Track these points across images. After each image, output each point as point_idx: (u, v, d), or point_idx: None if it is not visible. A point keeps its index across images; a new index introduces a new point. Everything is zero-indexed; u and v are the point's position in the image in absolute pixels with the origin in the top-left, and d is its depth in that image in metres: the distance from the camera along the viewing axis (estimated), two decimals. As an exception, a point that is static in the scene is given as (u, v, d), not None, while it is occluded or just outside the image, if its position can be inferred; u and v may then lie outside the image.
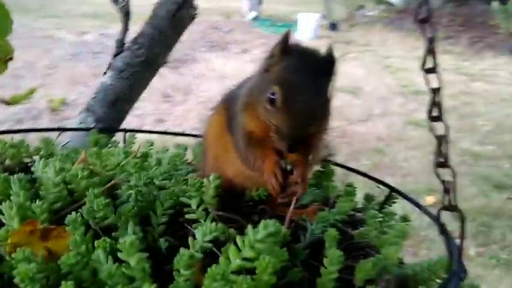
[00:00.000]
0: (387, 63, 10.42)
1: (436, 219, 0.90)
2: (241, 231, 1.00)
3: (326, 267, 0.86)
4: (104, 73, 1.71)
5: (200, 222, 1.01)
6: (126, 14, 1.74)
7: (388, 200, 1.28)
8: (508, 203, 5.45)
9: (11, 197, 0.98)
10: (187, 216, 1.03)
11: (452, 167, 0.86)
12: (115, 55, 1.72)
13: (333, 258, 0.85)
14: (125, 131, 1.62)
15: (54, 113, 6.90)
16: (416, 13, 0.89)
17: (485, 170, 6.02)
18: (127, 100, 1.69)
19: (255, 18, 13.33)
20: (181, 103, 7.82)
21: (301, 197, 1.15)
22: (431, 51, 0.87)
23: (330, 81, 1.00)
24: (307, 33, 12.08)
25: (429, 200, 4.76)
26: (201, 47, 10.47)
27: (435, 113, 0.91)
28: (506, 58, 10.53)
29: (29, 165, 1.32)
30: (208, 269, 0.77)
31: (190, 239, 0.87)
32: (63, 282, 0.72)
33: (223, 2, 15.04)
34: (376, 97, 8.67)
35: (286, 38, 1.00)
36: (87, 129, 1.60)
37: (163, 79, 8.51)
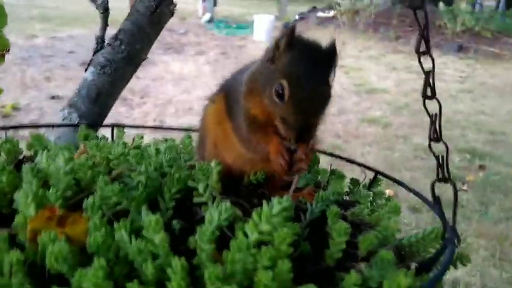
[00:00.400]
0: (341, 63, 10.61)
1: (431, 188, 0.98)
2: (245, 214, 1.06)
3: (333, 239, 0.92)
4: (86, 69, 1.72)
5: (208, 204, 1.05)
6: (105, 10, 1.75)
7: (374, 182, 1.36)
8: (461, 194, 5.72)
9: (23, 186, 0.99)
10: (195, 199, 1.07)
11: (445, 142, 0.94)
12: (95, 51, 1.72)
13: (340, 229, 0.91)
14: (113, 125, 1.63)
15: (6, 118, 6.70)
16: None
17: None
18: (109, 95, 1.70)
19: (210, 20, 13.36)
20: (139, 106, 7.74)
21: (304, 175, 1.22)
22: (423, 36, 0.94)
23: (332, 71, 1.06)
24: (263, 34, 12.21)
25: (387, 193, 4.94)
26: (157, 50, 10.38)
27: (428, 93, 0.97)
28: (452, 57, 11.01)
29: (24, 160, 1.33)
30: (231, 242, 0.81)
31: (208, 215, 0.91)
32: (95, 259, 0.75)
33: (178, 4, 14.96)
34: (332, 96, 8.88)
35: (292, 31, 1.04)
36: (75, 125, 1.60)
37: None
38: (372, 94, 9.08)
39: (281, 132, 1.04)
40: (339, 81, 9.60)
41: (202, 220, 1.03)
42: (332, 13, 13.58)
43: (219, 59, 10.69)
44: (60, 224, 0.95)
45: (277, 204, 0.85)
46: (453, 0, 12.13)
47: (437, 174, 0.97)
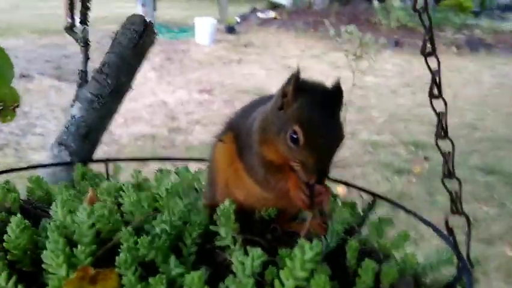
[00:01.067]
0: (285, 63, 10.84)
1: (445, 221, 1.06)
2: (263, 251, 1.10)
3: (360, 277, 0.99)
4: (71, 105, 1.70)
5: (230, 247, 1.09)
6: (86, 44, 1.74)
7: (372, 206, 1.44)
8: (410, 186, 6.00)
9: (49, 245, 0.99)
10: (218, 243, 1.11)
11: (450, 139, 1.02)
12: (79, 86, 1.71)
13: (368, 269, 0.99)
14: (107, 160, 1.63)
15: None
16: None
17: (385, 158, 6.53)
18: (98, 131, 1.69)
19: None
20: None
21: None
22: (429, 38, 1.00)
23: (341, 110, 1.11)
24: (205, 37, 12.19)
25: (340, 190, 5.11)
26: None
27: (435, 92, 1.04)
28: (390, 52, 11.45)
29: (26, 206, 1.31)
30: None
31: (237, 263, 0.95)
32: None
33: (118, 10, 14.61)
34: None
35: (297, 77, 1.08)
36: (68, 164, 1.59)
37: (63, 94, 8.17)
38: (319, 93, 9.25)
39: (301, 176, 1.08)
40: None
41: (224, 262, 1.08)
42: (272, 14, 13.75)
43: (164, 64, 10.59)
44: (92, 282, 0.96)
45: (309, 250, 0.90)
46: (386, -3, 12.61)
47: (451, 208, 1.04)
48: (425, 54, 0.99)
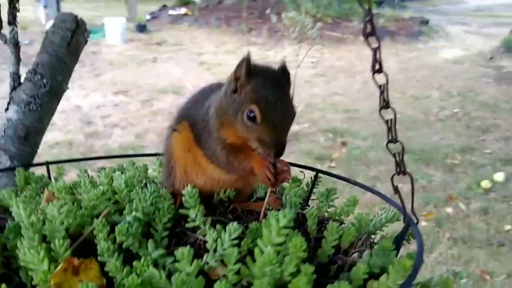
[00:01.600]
0: (201, 60, 10.86)
1: (391, 180, 1.17)
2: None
3: (326, 238, 1.08)
4: (6, 109, 1.64)
5: (201, 228, 1.14)
6: (16, 45, 1.68)
7: (316, 180, 1.53)
8: (331, 171, 6.28)
9: (25, 243, 0.98)
10: (189, 225, 1.15)
11: (393, 108, 1.13)
12: (13, 88, 1.65)
13: (332, 229, 1.07)
14: (48, 163, 1.60)
15: None
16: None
17: (306, 146, 6.77)
18: (38, 133, 1.64)
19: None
20: None
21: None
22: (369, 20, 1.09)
23: (289, 88, 1.20)
24: (116, 37, 11.87)
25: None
26: (2, 65, 9.55)
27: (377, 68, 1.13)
28: (302, 43, 11.81)
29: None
30: (256, 256, 0.93)
31: (222, 237, 1.01)
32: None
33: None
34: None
35: (248, 61, 1.15)
36: (10, 169, 1.54)
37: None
38: (237, 87, 9.38)
39: (260, 151, 1.16)
40: (203, 78, 9.78)
41: (196, 242, 1.13)
42: (183, 10, 13.65)
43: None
44: (75, 272, 0.97)
45: (283, 218, 0.98)
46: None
47: (396, 169, 1.16)
48: (366, 35, 1.09)
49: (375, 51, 1.08)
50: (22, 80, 1.68)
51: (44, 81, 1.65)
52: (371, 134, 7.08)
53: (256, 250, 0.96)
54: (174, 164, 1.33)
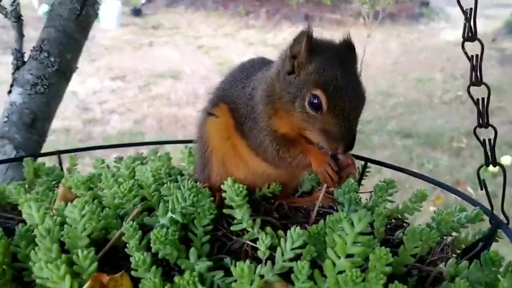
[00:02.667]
0: (198, 44, 10.58)
1: (478, 174, 0.99)
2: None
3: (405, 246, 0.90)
4: (9, 91, 1.43)
5: (248, 231, 0.95)
6: (18, 19, 1.47)
7: (364, 170, 1.36)
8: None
9: (41, 255, 0.79)
10: (234, 228, 0.96)
11: (487, 86, 0.95)
12: (16, 68, 1.45)
13: (414, 234, 0.89)
14: (60, 152, 1.40)
15: None
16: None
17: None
18: (46, 118, 1.44)
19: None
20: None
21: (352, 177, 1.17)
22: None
23: (357, 67, 1.00)
24: (111, 21, 11.56)
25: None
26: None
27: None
28: (301, 26, 11.53)
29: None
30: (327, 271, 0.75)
31: (282, 246, 0.82)
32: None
33: (7, -3, 13.43)
34: (197, 78, 8.81)
35: (310, 35, 0.95)
36: (16, 160, 1.34)
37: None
38: (236, 71, 9.19)
39: (324, 145, 0.96)
40: (201, 61, 9.54)
41: (241, 249, 0.94)
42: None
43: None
44: (104, 289, 0.79)
45: (358, 222, 0.79)
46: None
47: (485, 160, 0.97)
48: (465, 40, 0.92)
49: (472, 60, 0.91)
50: (26, 58, 1.48)
51: (52, 59, 1.45)
52: (375, 117, 6.91)
53: (327, 263, 0.77)
54: (210, 154, 1.13)
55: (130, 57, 9.84)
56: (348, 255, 0.78)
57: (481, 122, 0.95)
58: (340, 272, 0.76)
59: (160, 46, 10.42)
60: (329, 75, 0.92)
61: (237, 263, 0.74)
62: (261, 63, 1.15)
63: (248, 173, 1.12)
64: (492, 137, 0.96)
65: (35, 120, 1.41)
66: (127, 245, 0.86)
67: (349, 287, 0.73)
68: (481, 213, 1.03)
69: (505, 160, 5.52)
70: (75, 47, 1.51)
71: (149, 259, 0.79)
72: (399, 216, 1.15)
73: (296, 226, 0.85)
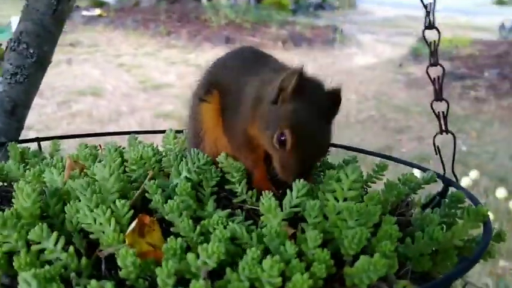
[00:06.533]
0: (119, 62, 10.47)
1: (433, 140, 1.20)
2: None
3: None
4: (-12, 80, 1.46)
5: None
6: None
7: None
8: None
9: (81, 205, 0.88)
10: (237, 200, 1.09)
11: (441, 65, 1.18)
12: (-7, 58, 1.48)
13: (391, 186, 1.08)
14: (39, 139, 1.45)
15: None
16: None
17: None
18: (25, 106, 1.48)
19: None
20: None
21: None
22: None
23: (335, 115, 1.08)
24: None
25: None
26: None
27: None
28: (222, 48, 11.81)
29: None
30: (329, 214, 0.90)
31: (288, 196, 0.96)
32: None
33: None
34: (119, 96, 8.73)
35: (301, 75, 1.01)
36: (1, 144, 1.37)
37: None
38: (159, 89, 9.23)
39: (278, 171, 1.05)
40: (123, 79, 9.46)
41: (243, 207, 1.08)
42: (97, 11, 13.11)
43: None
44: (141, 234, 0.89)
45: (352, 173, 0.95)
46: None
47: (440, 128, 1.18)
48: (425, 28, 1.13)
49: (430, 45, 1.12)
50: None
51: (31, 50, 1.51)
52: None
53: (330, 205, 0.93)
54: (204, 135, 1.22)
55: (46, 74, 9.53)
56: (345, 199, 0.94)
57: (437, 97, 1.17)
58: (338, 213, 0.92)
59: (79, 63, 10.20)
60: (301, 120, 1.01)
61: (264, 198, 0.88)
62: (252, 52, 1.27)
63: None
64: (445, 109, 1.18)
65: (15, 108, 1.46)
66: (152, 200, 0.96)
67: (356, 217, 0.88)
68: (434, 175, 1.24)
69: (499, 193, 5.56)
70: (51, 39, 1.57)
71: (182, 204, 0.90)
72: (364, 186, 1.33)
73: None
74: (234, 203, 1.09)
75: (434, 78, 1.18)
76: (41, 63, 1.53)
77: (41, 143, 1.48)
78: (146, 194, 0.98)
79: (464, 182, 5.46)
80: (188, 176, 1.03)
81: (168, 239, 0.80)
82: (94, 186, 0.92)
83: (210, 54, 12.04)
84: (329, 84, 1.08)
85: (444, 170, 1.22)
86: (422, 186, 1.24)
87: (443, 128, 1.18)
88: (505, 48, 11.10)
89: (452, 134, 1.19)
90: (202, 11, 12.62)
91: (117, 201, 0.89)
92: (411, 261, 0.89)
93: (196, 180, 1.04)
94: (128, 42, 11.84)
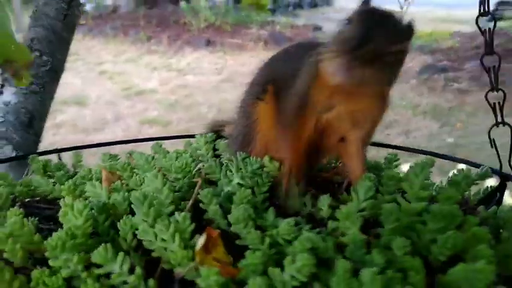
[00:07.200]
0: (100, 70, 10.32)
1: (489, 132, 1.16)
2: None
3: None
4: (0, 92, 1.37)
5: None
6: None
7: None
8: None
9: (141, 217, 0.80)
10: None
11: (498, 54, 1.12)
12: (4, 67, 1.39)
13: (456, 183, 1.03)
14: (59, 151, 1.37)
15: None
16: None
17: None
18: (41, 117, 1.40)
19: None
20: None
21: None
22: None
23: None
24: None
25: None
26: None
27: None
28: (203, 51, 11.71)
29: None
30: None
31: (354, 199, 0.90)
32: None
33: None
34: (104, 104, 8.60)
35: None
36: (20, 158, 1.29)
37: None
38: (142, 96, 9.12)
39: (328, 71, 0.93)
40: (106, 87, 9.32)
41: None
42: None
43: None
44: (207, 249, 0.82)
45: (420, 172, 0.90)
46: (190, -1, 12.85)
47: (496, 119, 1.14)
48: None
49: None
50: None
51: (44, 58, 1.42)
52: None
53: (405, 207, 0.87)
54: (256, 135, 1.15)
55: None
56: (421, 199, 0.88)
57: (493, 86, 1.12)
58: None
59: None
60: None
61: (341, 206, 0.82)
62: (307, 44, 1.16)
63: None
64: (501, 100, 1.13)
65: (32, 120, 1.37)
66: (208, 210, 0.89)
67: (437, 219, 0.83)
68: (489, 170, 1.18)
69: (490, 183, 5.59)
70: (64, 46, 1.49)
71: (247, 214, 0.83)
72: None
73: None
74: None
75: (489, 68, 1.13)
76: (56, 72, 1.46)
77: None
78: (202, 205, 0.91)
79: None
80: (241, 182, 0.96)
81: (247, 254, 0.74)
82: (149, 200, 0.84)
83: (191, 58, 11.98)
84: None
85: (501, 164, 1.17)
86: (476, 182, 1.18)
87: (499, 119, 1.13)
88: (484, 40, 11.23)
89: (509, 125, 1.14)
90: (181, 14, 12.48)
91: (176, 214, 0.82)
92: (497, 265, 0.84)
93: (249, 186, 0.97)
94: (108, 50, 11.66)
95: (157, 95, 9.15)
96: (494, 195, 1.13)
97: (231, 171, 1.01)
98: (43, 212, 1.05)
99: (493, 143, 1.17)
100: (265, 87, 1.14)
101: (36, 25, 1.45)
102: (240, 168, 0.99)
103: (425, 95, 9.32)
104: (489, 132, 1.17)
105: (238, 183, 0.97)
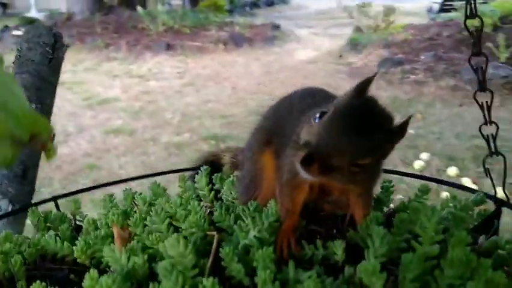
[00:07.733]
0: (60, 80, 10.08)
1: (483, 162, 1.21)
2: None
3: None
4: (-10, 143, 1.34)
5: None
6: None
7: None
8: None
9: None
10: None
11: (490, 91, 1.17)
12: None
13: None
14: (55, 198, 1.36)
15: None
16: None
17: (192, 155, 6.66)
18: (34, 167, 1.38)
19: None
20: None
21: None
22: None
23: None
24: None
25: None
26: None
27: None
28: (164, 55, 11.61)
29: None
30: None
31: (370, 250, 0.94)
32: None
33: None
34: (65, 115, 8.41)
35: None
36: (18, 212, 1.27)
37: None
38: (105, 105, 8.97)
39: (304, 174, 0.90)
40: (66, 98, 9.11)
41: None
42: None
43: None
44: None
45: (432, 215, 0.94)
46: (146, 3, 12.70)
47: (489, 150, 1.19)
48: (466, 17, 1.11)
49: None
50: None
51: (33, 105, 1.40)
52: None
53: (414, 244, 0.92)
54: (260, 180, 1.17)
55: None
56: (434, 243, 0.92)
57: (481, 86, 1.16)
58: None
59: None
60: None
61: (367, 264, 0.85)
62: (309, 94, 1.18)
63: None
64: (489, 100, 1.17)
65: (26, 170, 1.35)
66: (230, 268, 0.91)
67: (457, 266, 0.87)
68: (484, 197, 1.23)
69: (450, 171, 5.66)
70: (51, 90, 1.47)
71: (270, 274, 0.86)
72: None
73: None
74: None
75: (476, 68, 1.16)
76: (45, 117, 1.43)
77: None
78: (223, 263, 0.93)
79: (418, 164, 5.66)
80: (258, 235, 0.99)
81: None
82: (177, 268, 0.86)
83: (151, 63, 11.86)
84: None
85: (495, 190, 1.23)
86: (472, 209, 1.23)
87: (488, 119, 1.17)
88: (436, 31, 11.54)
89: (497, 125, 1.18)
90: (138, 19, 12.33)
91: (205, 280, 0.84)
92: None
93: (267, 240, 0.99)
94: (65, 59, 11.41)
95: (120, 103, 9.01)
96: (491, 222, 1.18)
97: (245, 222, 1.03)
98: (55, 274, 1.05)
99: (487, 171, 1.21)
100: (269, 137, 1.16)
101: (21, 71, 1.42)
102: (255, 219, 1.00)
103: (384, 88, 9.52)
104: (484, 161, 1.22)
105: (255, 236, 0.99)
